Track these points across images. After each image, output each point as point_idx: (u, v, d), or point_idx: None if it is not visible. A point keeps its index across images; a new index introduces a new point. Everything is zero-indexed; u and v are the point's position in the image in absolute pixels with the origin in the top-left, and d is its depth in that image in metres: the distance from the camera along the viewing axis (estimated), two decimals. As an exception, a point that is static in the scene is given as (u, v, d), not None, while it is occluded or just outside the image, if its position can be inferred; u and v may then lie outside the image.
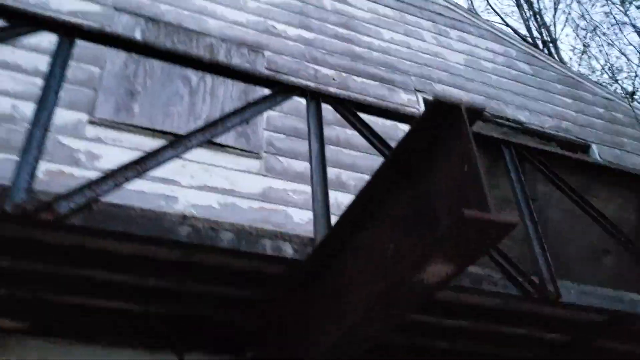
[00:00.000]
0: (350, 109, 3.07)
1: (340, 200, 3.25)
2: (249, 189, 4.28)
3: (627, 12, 14.60)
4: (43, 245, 2.51)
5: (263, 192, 4.33)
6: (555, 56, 15.07)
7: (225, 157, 4.35)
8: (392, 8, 6.79)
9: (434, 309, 3.04)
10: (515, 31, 15.60)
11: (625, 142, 7.15)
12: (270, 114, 4.66)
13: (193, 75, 4.64)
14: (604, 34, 16.35)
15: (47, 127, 2.42)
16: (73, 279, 2.77)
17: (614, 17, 15.17)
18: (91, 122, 4.08)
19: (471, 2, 17.70)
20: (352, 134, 3.13)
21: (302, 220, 4.14)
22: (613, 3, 14.88)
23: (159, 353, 3.12)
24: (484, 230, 1.54)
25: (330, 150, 3.48)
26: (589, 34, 16.48)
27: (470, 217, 1.50)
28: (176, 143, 2.56)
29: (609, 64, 16.81)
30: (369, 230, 2.18)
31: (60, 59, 2.61)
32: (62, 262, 2.63)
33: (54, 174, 3.50)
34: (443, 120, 1.82)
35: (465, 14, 7.54)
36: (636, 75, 14.64)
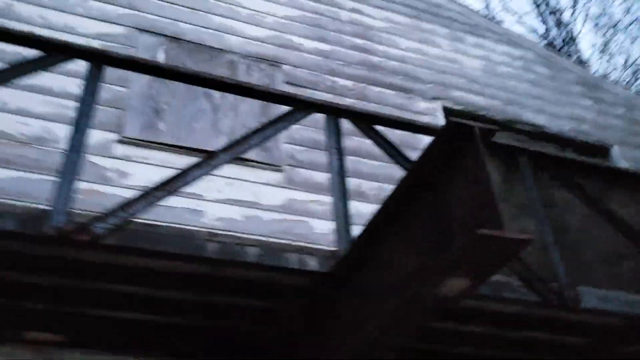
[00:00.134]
0: (369, 124, 3.17)
1: (360, 209, 3.34)
2: (271, 201, 4.39)
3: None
4: (79, 263, 2.65)
5: (285, 204, 4.44)
6: (575, 55, 14.94)
7: (248, 170, 4.47)
8: (407, 16, 6.83)
9: (454, 316, 3.11)
10: (533, 30, 15.51)
11: (647, 142, 7.11)
12: (290, 127, 4.76)
13: (215, 92, 4.78)
14: (625, 30, 16.15)
15: (82, 150, 2.56)
16: (107, 293, 2.91)
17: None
18: (120, 141, 4.25)
19: (487, 2, 17.66)
20: (371, 144, 3.23)
21: (323, 230, 4.23)
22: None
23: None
24: (498, 247, 1.62)
25: (350, 160, 3.56)
26: (609, 31, 16.30)
27: (484, 235, 1.58)
28: (202, 163, 2.70)
29: (630, 62, 16.59)
30: (388, 245, 2.28)
31: (91, 85, 2.75)
32: (97, 278, 2.77)
33: (87, 193, 3.64)
34: (458, 141, 1.91)
35: (481, 19, 7.54)
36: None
